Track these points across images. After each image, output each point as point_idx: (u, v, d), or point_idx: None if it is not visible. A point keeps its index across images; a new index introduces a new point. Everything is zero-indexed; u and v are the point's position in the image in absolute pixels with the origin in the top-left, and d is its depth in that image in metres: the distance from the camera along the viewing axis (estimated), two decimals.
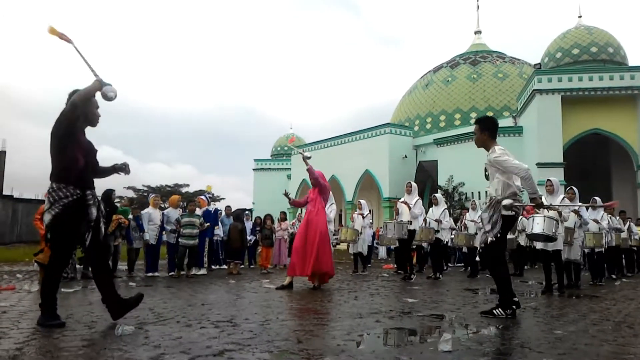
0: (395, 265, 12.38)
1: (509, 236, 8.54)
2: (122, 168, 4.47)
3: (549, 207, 6.71)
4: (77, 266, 9.29)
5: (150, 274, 9.73)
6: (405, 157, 33.27)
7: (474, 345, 3.42)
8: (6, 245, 23.17)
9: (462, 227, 12.33)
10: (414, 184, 10.32)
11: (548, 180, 8.01)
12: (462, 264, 14.15)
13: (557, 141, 23.29)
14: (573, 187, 8.44)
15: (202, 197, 12.77)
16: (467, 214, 12.66)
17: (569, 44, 28.47)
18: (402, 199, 10.34)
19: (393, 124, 35.58)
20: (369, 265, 13.31)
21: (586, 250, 9.61)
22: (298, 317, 4.88)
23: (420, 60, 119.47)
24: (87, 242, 4.08)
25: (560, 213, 7.64)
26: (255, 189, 46.27)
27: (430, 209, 11.28)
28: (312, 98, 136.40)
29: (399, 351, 3.23)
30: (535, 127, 24.21)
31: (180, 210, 11.33)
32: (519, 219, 9.79)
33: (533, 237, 6.68)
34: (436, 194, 12.07)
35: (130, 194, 45.23)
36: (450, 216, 12.05)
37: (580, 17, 30.76)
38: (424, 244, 11.83)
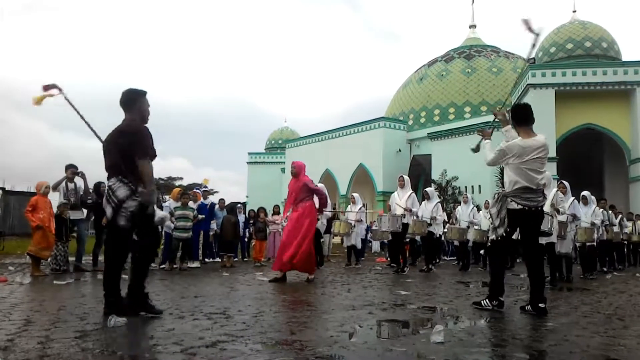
0: (388, 259, 12.41)
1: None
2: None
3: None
4: (70, 259, 9.25)
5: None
6: (400, 151, 33.31)
7: (466, 337, 3.45)
8: None
9: (454, 221, 12.33)
10: (406, 178, 10.31)
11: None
12: (455, 258, 14.19)
13: (550, 136, 23.36)
14: (564, 182, 8.50)
15: (197, 189, 12.72)
16: (459, 207, 12.69)
17: (563, 39, 28.54)
18: (395, 193, 10.33)
19: (387, 118, 35.59)
20: (362, 258, 13.34)
21: (578, 244, 9.68)
22: (291, 309, 4.88)
23: (417, 55, 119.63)
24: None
25: (557, 209, 7.72)
26: (249, 182, 46.24)
27: (423, 202, 11.29)
28: (307, 92, 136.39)
29: (392, 342, 3.25)
30: None
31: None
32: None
33: None
34: (428, 188, 12.08)
35: None
36: (443, 210, 12.06)
37: (574, 11, 30.87)
38: (417, 238, 11.86)
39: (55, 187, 9.06)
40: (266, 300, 5.25)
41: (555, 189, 8.15)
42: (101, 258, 9.03)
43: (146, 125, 4.40)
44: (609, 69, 24.23)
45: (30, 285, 6.62)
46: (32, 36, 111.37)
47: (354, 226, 11.92)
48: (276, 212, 14.22)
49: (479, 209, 13.03)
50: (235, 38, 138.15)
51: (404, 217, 9.83)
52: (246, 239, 14.15)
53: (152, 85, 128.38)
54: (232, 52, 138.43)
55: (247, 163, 46.86)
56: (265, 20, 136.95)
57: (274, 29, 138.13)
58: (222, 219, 11.98)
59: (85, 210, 9.83)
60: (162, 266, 9.88)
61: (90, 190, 9.60)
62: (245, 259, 13.60)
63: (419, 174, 31.78)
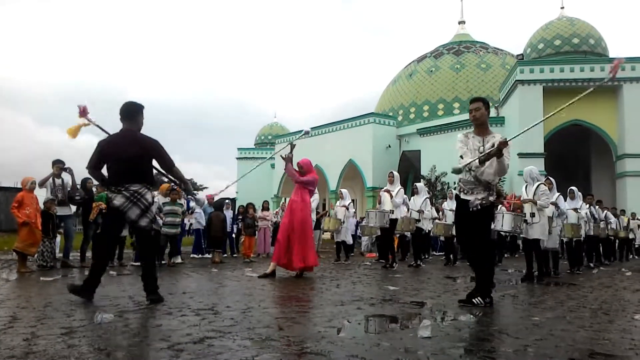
0: (377, 254, 12.45)
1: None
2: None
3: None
4: (58, 254, 9.18)
5: (138, 264, 9.61)
6: (389, 146, 33.34)
7: (453, 332, 3.47)
8: None
9: (441, 216, 12.36)
10: (396, 174, 10.34)
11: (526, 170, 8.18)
12: (443, 253, 14.26)
13: (538, 132, 23.52)
14: (550, 177, 8.58)
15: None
16: (445, 202, 12.73)
17: (551, 35, 28.70)
18: (385, 188, 10.37)
19: (377, 114, 35.56)
20: (352, 254, 13.37)
21: (564, 240, 9.76)
22: (280, 305, 4.89)
23: (406, 50, 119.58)
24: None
25: (535, 201, 7.81)
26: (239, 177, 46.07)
27: (412, 198, 11.32)
28: (297, 87, 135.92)
29: (379, 337, 3.26)
30: (517, 118, 24.39)
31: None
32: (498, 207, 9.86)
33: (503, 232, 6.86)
34: (417, 184, 12.11)
35: None
36: (432, 206, 12.09)
37: (562, 8, 31.01)
38: (407, 234, 11.89)
39: (42, 184, 8.98)
40: (255, 296, 5.25)
41: (538, 182, 8.11)
42: (89, 254, 8.99)
43: None
44: (596, 66, 24.37)
45: (16, 282, 6.57)
46: (14, 30, 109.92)
47: (344, 222, 11.94)
48: (265, 207, 14.21)
49: None
50: (224, 33, 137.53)
51: (392, 213, 9.86)
52: (233, 235, 14.14)
53: (141, 80, 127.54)
54: (221, 47, 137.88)
55: (237, 159, 46.65)
56: (255, 15, 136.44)
57: (263, 23, 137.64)
58: (209, 215, 11.96)
59: (73, 207, 9.76)
60: None
61: (78, 187, 9.53)
62: (235, 255, 13.59)
63: (409, 169, 31.85)
